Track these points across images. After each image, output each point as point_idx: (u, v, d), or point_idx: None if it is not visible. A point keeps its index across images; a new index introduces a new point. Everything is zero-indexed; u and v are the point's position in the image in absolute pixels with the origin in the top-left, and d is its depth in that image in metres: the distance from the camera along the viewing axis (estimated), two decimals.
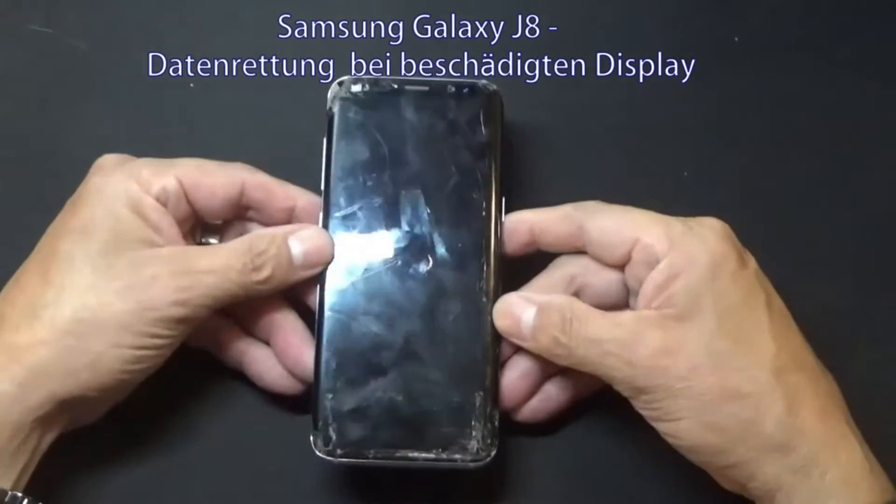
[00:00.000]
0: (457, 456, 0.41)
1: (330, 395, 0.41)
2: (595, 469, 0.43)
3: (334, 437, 0.41)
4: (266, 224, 0.43)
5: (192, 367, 0.43)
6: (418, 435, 0.41)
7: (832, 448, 0.36)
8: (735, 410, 0.37)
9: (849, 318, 0.44)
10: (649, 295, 0.39)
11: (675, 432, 0.38)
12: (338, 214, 0.43)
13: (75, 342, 0.38)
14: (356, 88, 0.44)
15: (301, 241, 0.42)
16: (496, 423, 0.41)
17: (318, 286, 0.42)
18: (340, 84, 0.44)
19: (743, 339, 0.37)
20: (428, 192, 0.43)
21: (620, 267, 0.41)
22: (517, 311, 0.41)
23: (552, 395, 0.43)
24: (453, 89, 0.44)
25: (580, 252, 0.42)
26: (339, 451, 0.41)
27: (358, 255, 0.42)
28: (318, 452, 0.41)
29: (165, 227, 0.41)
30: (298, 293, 0.43)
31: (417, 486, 0.43)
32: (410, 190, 0.43)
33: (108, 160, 0.42)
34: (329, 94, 0.44)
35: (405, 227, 0.43)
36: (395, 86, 0.44)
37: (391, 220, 0.43)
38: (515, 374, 0.42)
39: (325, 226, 0.43)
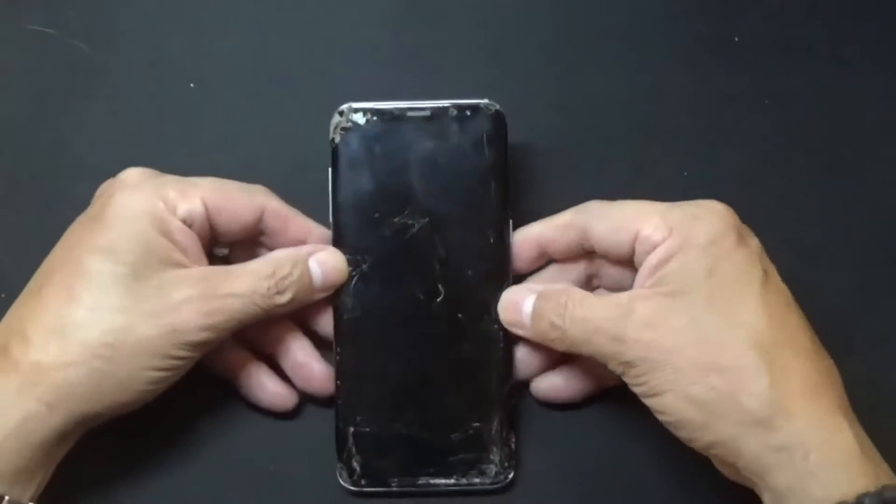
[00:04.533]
0: (476, 480, 0.42)
1: (352, 428, 0.42)
2: (600, 467, 0.43)
3: (358, 469, 0.42)
4: (275, 248, 0.44)
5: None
6: (439, 462, 0.42)
7: (818, 429, 0.36)
8: (715, 383, 0.37)
9: (849, 318, 0.44)
10: (644, 275, 0.40)
11: (660, 407, 0.38)
12: (347, 247, 0.43)
13: (104, 365, 0.38)
14: (357, 117, 0.43)
15: (320, 264, 0.42)
16: (513, 446, 0.42)
17: (334, 321, 0.43)
18: (341, 113, 0.43)
19: (731, 314, 0.37)
20: (436, 219, 0.43)
21: (630, 262, 0.41)
22: (519, 300, 0.42)
23: (571, 377, 0.44)
24: (455, 112, 0.43)
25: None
26: (363, 482, 0.42)
27: (370, 288, 0.43)
28: (343, 483, 0.42)
29: (191, 247, 0.41)
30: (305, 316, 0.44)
31: None
32: (418, 219, 0.43)
33: (132, 176, 0.42)
34: (331, 124, 0.44)
35: (415, 258, 0.43)
36: (397, 112, 0.43)
37: (401, 251, 0.43)
38: (526, 348, 0.43)
39: None
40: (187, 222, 0.41)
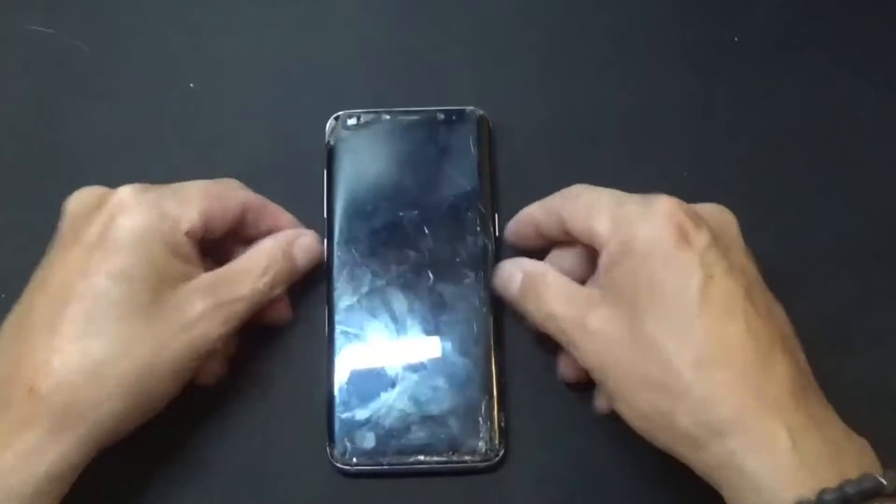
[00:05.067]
0: (466, 458, 0.43)
1: (343, 408, 0.43)
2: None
3: (349, 447, 0.43)
4: (244, 239, 0.44)
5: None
6: (429, 440, 0.43)
7: (753, 445, 0.35)
8: (652, 399, 0.36)
9: (849, 318, 0.44)
10: (600, 274, 0.39)
11: (618, 412, 0.38)
12: (342, 239, 0.45)
13: (139, 392, 0.38)
14: (352, 122, 0.47)
15: (302, 250, 0.44)
16: (503, 425, 0.43)
17: (327, 306, 0.45)
18: (337, 118, 0.47)
19: (669, 327, 0.36)
20: (425, 213, 0.45)
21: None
22: (507, 276, 0.43)
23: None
24: (443, 116, 0.47)
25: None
26: (354, 461, 0.43)
27: (363, 275, 0.45)
28: (334, 463, 0.43)
29: (195, 257, 0.41)
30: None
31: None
32: (408, 212, 0.45)
33: (127, 197, 0.40)
34: (326, 128, 0.47)
35: (406, 247, 0.45)
36: (389, 116, 0.47)
37: (392, 242, 0.45)
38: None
39: (330, 251, 0.45)
40: (190, 235, 0.41)
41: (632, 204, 0.39)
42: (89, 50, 0.50)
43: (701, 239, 0.38)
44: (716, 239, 0.38)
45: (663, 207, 0.38)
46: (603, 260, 0.39)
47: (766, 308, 0.38)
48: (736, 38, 0.50)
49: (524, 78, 0.50)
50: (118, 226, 0.39)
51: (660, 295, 0.37)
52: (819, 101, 0.49)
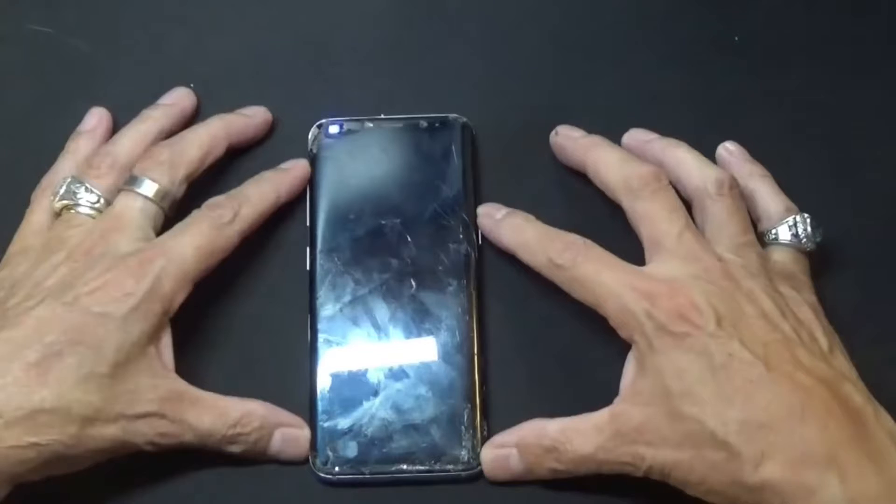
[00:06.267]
0: (449, 466, 0.42)
1: (326, 417, 0.43)
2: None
3: (332, 456, 0.43)
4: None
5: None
6: (411, 449, 0.43)
7: (801, 501, 0.36)
8: (716, 477, 0.37)
9: (849, 318, 0.44)
10: (622, 386, 0.40)
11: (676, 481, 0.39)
12: (324, 248, 0.45)
13: (62, 450, 0.38)
14: (334, 130, 0.47)
15: (284, 439, 0.42)
16: (485, 433, 0.43)
17: (310, 314, 0.44)
18: (320, 126, 0.47)
19: (704, 409, 0.37)
20: (407, 222, 0.45)
21: None
22: (499, 460, 0.42)
23: None
24: (426, 124, 0.47)
25: None
26: (336, 470, 0.42)
27: (345, 283, 0.45)
28: (316, 472, 0.43)
29: (169, 348, 0.41)
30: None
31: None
32: (391, 220, 0.45)
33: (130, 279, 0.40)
34: (309, 136, 0.47)
35: (388, 255, 0.45)
36: (372, 124, 0.47)
37: (374, 250, 0.45)
38: None
39: (313, 260, 0.45)
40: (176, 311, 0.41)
41: (635, 299, 0.39)
42: (89, 50, 0.50)
43: (703, 317, 0.38)
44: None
45: (666, 294, 0.39)
46: (626, 372, 0.40)
47: (806, 363, 0.38)
48: (736, 38, 0.51)
49: (523, 79, 0.50)
50: (114, 308, 0.39)
51: (690, 382, 0.38)
52: (818, 101, 0.49)
